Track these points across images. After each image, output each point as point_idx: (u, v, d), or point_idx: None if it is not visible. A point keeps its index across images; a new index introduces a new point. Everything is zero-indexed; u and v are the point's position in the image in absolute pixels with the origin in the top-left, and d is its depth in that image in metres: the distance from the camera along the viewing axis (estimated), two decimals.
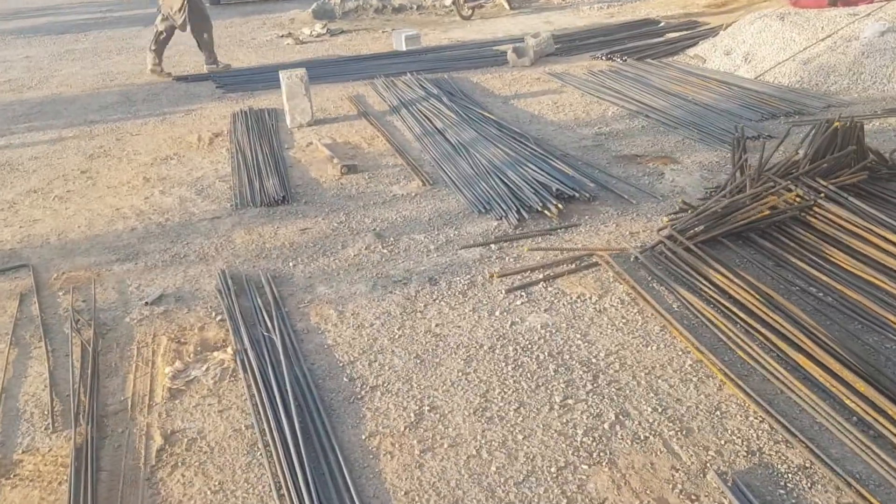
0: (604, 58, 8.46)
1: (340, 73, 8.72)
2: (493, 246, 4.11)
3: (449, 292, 3.67)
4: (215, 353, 3.28)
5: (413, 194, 4.92)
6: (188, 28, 8.78)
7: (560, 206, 4.37)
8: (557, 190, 4.54)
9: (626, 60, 8.23)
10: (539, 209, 4.39)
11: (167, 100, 8.02)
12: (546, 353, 3.14)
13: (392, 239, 4.29)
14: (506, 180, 4.82)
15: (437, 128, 6.15)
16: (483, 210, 4.54)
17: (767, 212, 3.86)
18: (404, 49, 9.74)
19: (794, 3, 9.44)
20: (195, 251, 4.30)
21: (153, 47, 8.98)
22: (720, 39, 8.29)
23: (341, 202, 4.88)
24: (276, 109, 7.16)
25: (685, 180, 4.82)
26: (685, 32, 9.58)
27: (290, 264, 4.07)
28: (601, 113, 6.46)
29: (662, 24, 10.25)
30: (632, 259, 3.82)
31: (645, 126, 6.00)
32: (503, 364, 3.09)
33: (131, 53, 11.14)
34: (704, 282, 3.47)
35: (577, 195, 4.51)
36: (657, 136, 5.73)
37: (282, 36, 11.80)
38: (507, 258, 3.97)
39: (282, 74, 6.55)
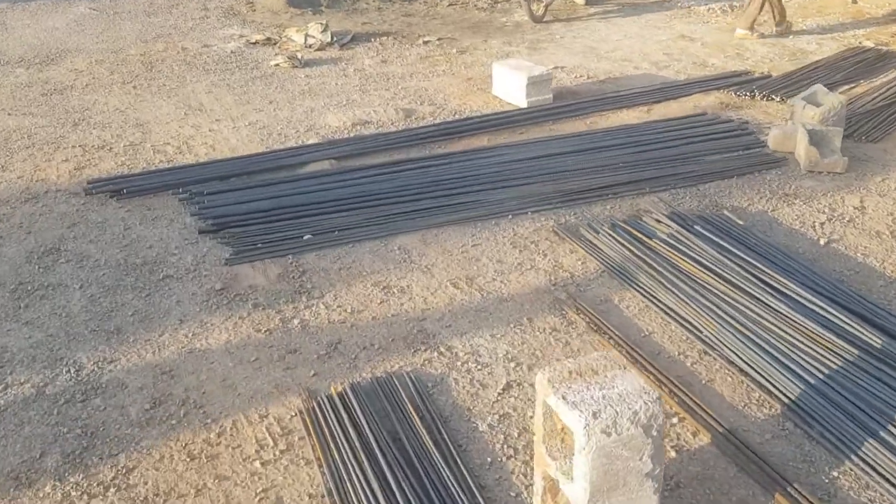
0: None
1: (439, 180, 3.89)
2: None
3: None
4: None
5: None
6: None
7: None
8: None
9: None
10: None
11: (84, 295, 2.93)
12: None
13: None
14: None
15: None
16: None
17: None
18: (525, 105, 4.94)
19: None
20: None
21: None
22: None
23: None
24: (424, 377, 2.38)
25: None
26: None
27: None
28: None
29: None
30: None
31: None
32: None
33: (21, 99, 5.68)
34: None
35: None
36: None
37: (254, 43, 6.61)
38: None
39: (581, 427, 1.67)
